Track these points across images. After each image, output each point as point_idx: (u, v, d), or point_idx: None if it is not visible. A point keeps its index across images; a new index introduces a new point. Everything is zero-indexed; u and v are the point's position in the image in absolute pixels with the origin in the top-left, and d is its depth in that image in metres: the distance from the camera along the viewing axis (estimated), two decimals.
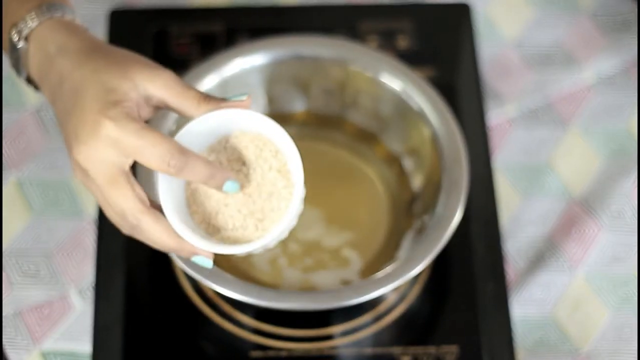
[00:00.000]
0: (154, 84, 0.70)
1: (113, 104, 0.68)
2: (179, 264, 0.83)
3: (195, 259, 0.72)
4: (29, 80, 0.76)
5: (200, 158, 0.70)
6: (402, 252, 0.92)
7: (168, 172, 0.68)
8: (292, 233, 0.94)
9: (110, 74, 0.69)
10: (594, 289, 0.94)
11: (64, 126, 0.70)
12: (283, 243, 0.93)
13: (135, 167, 0.71)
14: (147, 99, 0.71)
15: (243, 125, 0.73)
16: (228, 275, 0.84)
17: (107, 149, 0.68)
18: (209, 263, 0.73)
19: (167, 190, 0.72)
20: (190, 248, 0.71)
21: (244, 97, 0.72)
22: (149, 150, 0.68)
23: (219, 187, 0.71)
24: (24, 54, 0.74)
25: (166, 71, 0.71)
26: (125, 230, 0.72)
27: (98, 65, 0.70)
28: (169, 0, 1.08)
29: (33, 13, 0.73)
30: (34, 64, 0.74)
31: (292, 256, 0.93)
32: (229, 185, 0.71)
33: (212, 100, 0.72)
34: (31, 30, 0.73)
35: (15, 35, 0.73)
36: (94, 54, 0.71)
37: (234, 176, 0.72)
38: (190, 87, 0.71)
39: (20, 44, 0.74)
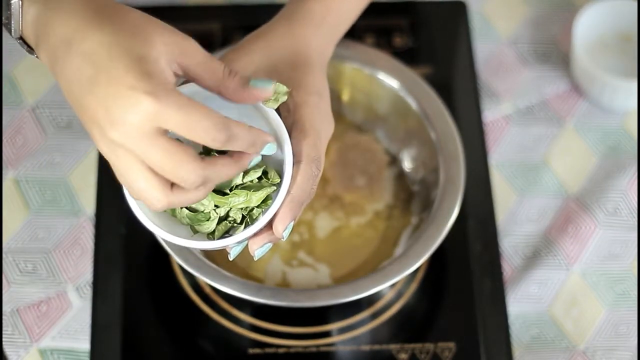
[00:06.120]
0: (173, 49, 0.65)
1: (148, 75, 0.62)
2: (177, 259, 0.83)
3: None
4: (23, 41, 0.68)
5: (241, 127, 0.65)
6: (400, 249, 0.92)
7: (212, 146, 0.64)
8: None
9: (133, 39, 0.63)
10: (590, 286, 0.94)
11: (83, 98, 0.63)
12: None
13: None
14: (170, 64, 0.65)
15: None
16: (225, 272, 0.84)
17: (146, 124, 0.61)
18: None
19: None
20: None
21: (270, 86, 0.67)
22: (193, 125, 0.62)
23: (258, 153, 0.67)
24: (17, 11, 0.66)
25: (188, 38, 0.66)
26: (161, 204, 0.65)
27: (115, 28, 0.63)
28: None
29: None
30: (28, 21, 0.66)
31: (289, 253, 0.93)
32: (268, 148, 0.68)
33: (237, 77, 0.67)
34: None
35: None
36: (106, 14, 0.64)
37: (271, 138, 0.68)
38: (214, 58, 0.67)
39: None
